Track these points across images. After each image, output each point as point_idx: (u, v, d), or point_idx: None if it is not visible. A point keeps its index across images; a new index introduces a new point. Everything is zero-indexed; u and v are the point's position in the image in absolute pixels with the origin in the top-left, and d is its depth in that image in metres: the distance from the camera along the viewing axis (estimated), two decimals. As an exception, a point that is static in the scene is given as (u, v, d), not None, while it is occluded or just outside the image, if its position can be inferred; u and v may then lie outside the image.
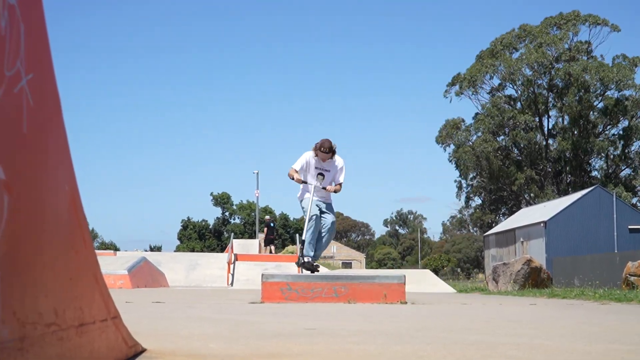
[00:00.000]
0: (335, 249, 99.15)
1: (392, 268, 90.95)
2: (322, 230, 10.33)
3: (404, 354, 2.86)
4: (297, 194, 10.56)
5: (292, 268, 21.66)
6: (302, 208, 10.44)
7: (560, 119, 72.40)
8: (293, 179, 10.22)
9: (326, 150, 10.13)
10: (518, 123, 70.01)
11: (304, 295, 8.29)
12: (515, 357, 2.79)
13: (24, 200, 1.72)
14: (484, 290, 18.77)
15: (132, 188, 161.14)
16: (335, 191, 10.34)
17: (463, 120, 74.63)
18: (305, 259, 10.08)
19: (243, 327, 4.25)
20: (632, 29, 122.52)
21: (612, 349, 3.18)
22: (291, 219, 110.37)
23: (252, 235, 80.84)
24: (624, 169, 72.64)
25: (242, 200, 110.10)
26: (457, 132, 73.81)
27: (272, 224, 37.81)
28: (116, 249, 65.66)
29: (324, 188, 10.30)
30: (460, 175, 77.23)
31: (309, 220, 10.09)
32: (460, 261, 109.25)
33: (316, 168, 10.25)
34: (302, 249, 10.24)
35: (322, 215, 10.36)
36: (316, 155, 10.22)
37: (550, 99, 72.05)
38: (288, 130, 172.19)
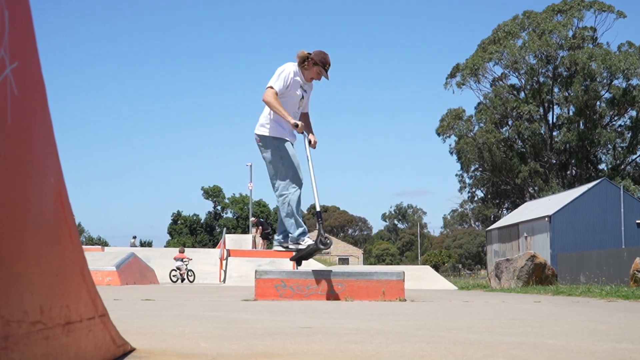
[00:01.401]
0: (332, 245, 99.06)
1: (391, 264, 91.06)
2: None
3: (403, 354, 2.86)
4: (261, 125, 8.08)
5: (287, 264, 21.68)
6: (278, 155, 8.01)
7: (565, 109, 72.45)
8: (274, 108, 7.89)
9: (328, 68, 8.18)
10: (522, 113, 70.01)
11: (300, 293, 8.30)
12: (518, 357, 2.80)
13: (7, 194, 1.72)
14: (486, 287, 18.81)
15: (120, 181, 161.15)
16: (315, 144, 8.31)
17: (464, 111, 74.68)
18: (307, 241, 8.16)
19: (236, 325, 4.25)
20: (638, 16, 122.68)
21: (620, 348, 3.19)
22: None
23: (246, 230, 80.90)
24: (632, 161, 72.72)
25: (234, 194, 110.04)
26: (459, 123, 73.81)
27: (261, 220, 38.72)
28: (105, 244, 65.61)
29: (309, 137, 8.29)
30: (461, 168, 77.32)
31: (296, 184, 8.07)
32: (462, 257, 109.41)
33: (300, 88, 8.14)
34: (298, 228, 8.14)
35: None
36: (302, 68, 8.14)
37: (555, 89, 72.06)
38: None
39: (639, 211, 53.36)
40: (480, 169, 76.29)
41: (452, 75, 74.35)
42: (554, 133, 72.38)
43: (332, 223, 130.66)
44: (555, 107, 73.23)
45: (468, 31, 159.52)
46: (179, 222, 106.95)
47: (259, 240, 37.05)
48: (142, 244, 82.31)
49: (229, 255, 25.98)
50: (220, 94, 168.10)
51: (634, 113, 70.77)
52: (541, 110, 71.88)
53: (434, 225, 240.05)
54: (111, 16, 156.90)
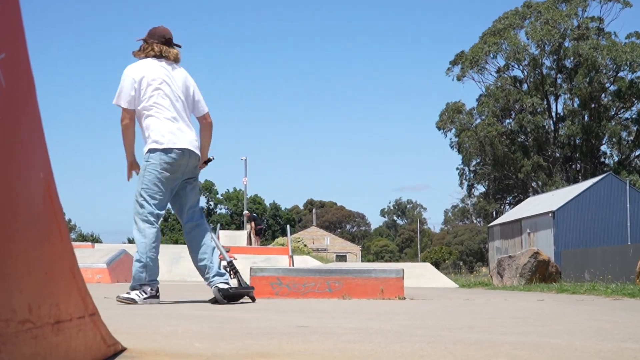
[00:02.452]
0: (329, 241, 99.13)
1: (390, 261, 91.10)
2: None
3: (402, 353, 2.87)
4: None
5: (282, 261, 21.70)
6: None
7: (569, 102, 72.39)
8: None
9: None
10: (525, 106, 69.93)
11: (296, 291, 8.30)
12: (520, 357, 2.81)
13: (-5, 189, 1.71)
14: (488, 285, 18.83)
15: (112, 176, 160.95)
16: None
17: (463, 105, 74.61)
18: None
19: (230, 324, 4.26)
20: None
21: (625, 347, 3.20)
22: (282, 208, 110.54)
23: (240, 227, 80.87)
24: (638, 155, 72.72)
25: (228, 190, 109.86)
26: (459, 116, 73.77)
27: (254, 215, 39.21)
28: (97, 241, 65.70)
29: None
30: (462, 162, 77.28)
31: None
32: (463, 254, 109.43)
33: None
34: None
35: None
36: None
37: (558, 81, 72.01)
38: (278, 114, 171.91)
39: (645, 207, 53.41)
40: (481, 163, 76.25)
41: (454, 62, 74.27)
42: (558, 126, 72.33)
43: (330, 219, 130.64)
44: (559, 99, 73.25)
45: (470, 24, 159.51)
46: (169, 219, 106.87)
47: (255, 234, 37.17)
48: (131, 241, 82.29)
49: (222, 251, 25.96)
50: (213, 87, 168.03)
51: (640, 106, 70.86)
52: (545, 102, 71.83)
53: (434, 222, 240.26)
54: (104, 7, 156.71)
